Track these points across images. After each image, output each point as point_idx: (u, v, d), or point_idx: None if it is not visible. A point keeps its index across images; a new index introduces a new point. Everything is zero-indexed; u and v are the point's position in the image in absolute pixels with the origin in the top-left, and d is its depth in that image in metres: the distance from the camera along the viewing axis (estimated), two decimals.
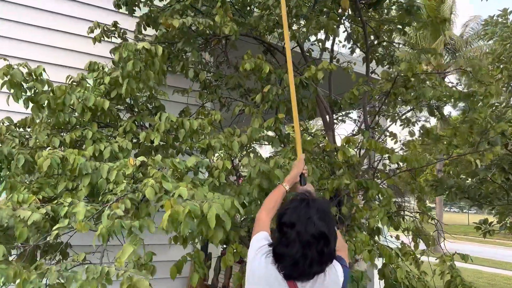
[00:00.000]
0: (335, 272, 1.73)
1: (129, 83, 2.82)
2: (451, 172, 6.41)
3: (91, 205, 1.97)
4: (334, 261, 1.73)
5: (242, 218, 3.03)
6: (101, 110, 2.85)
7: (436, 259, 3.48)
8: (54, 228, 1.85)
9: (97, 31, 3.69)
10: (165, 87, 3.25)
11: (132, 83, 2.82)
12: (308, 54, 4.27)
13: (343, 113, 5.33)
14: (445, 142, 3.76)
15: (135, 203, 1.97)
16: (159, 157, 2.27)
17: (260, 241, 1.81)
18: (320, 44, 4.32)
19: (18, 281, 1.72)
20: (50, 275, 1.71)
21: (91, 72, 3.14)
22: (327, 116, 4.20)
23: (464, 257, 3.47)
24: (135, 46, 2.69)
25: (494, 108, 6.11)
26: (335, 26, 3.58)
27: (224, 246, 4.21)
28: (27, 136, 3.07)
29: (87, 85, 3.07)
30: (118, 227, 1.73)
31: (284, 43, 4.17)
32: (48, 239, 1.97)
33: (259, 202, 2.68)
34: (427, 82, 3.42)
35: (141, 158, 2.20)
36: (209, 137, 2.91)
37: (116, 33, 3.78)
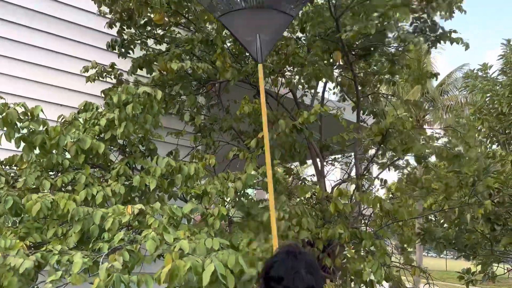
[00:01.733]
0: None
1: (127, 126, 2.78)
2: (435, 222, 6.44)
3: (87, 256, 1.87)
4: None
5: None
6: (95, 153, 2.78)
7: None
8: (48, 280, 1.73)
9: (92, 71, 3.68)
10: (161, 129, 3.23)
11: (129, 126, 2.79)
12: (300, 101, 4.34)
13: (332, 158, 5.37)
14: (435, 194, 3.79)
15: (133, 256, 1.87)
16: (158, 205, 2.20)
17: None
18: (312, 90, 4.41)
19: None
20: None
21: (84, 112, 3.09)
22: (319, 162, 4.22)
23: None
24: (135, 90, 2.67)
25: (476, 159, 6.27)
26: (331, 73, 3.68)
27: None
28: (12, 175, 2.96)
29: (79, 125, 3.02)
30: (118, 282, 1.63)
31: (277, 90, 4.27)
32: None
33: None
34: (416, 136, 3.51)
35: (139, 206, 2.13)
36: (204, 182, 2.86)
37: (112, 74, 3.77)
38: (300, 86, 4.39)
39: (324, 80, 4.59)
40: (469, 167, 3.52)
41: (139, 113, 2.79)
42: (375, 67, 4.47)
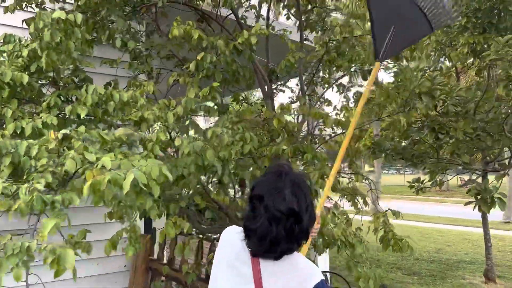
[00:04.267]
0: (306, 279, 1.50)
1: (49, 55, 2.62)
2: (385, 136, 6.71)
3: (9, 183, 1.83)
4: (314, 273, 1.51)
5: (183, 190, 2.99)
6: (21, 86, 2.64)
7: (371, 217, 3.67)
8: None
9: (11, 1, 3.37)
10: (90, 57, 3.06)
11: (52, 55, 2.63)
12: (243, 21, 4.20)
13: (282, 82, 5.36)
14: (375, 105, 3.90)
15: (58, 178, 1.85)
16: (83, 129, 2.15)
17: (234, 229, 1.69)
18: (254, 11, 4.26)
19: None
20: None
21: (6, 45, 2.88)
22: (265, 85, 4.19)
23: (395, 214, 3.68)
24: (51, 15, 2.48)
25: (424, 72, 6.41)
26: None
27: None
28: None
29: (2, 59, 2.82)
30: (39, 201, 1.62)
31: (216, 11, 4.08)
32: None
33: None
34: (357, 48, 3.51)
35: (64, 130, 2.07)
36: (143, 109, 2.79)
37: (33, 2, 3.47)
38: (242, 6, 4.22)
39: None
40: (406, 73, 3.58)
41: (61, 41, 2.62)
42: None
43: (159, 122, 2.88)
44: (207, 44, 3.31)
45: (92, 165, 1.78)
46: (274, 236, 1.47)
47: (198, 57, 3.04)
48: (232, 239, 1.64)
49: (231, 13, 4.30)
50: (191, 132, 3.32)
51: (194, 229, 3.35)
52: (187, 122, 3.15)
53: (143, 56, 3.54)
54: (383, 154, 6.52)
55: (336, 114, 3.58)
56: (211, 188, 3.14)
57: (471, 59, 7.12)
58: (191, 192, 3.08)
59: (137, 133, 2.71)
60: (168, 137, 2.70)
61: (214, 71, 3.23)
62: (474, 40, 6.48)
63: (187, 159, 2.46)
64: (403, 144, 6.64)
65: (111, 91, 2.63)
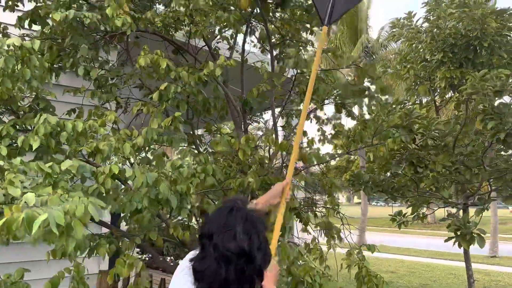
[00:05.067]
0: None
1: (3, 82, 2.52)
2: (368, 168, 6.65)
3: None
4: None
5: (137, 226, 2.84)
6: None
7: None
8: None
9: None
10: (50, 86, 2.97)
11: (6, 83, 2.53)
12: (215, 52, 4.17)
13: (258, 113, 5.31)
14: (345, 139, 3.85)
15: None
16: (18, 160, 2.02)
17: (191, 257, 1.53)
18: (227, 42, 4.24)
19: None
20: None
21: None
22: (238, 116, 4.13)
23: (370, 248, 3.56)
24: (4, 41, 2.40)
25: (403, 105, 6.45)
26: (236, 22, 3.51)
27: None
28: None
29: None
30: None
31: (190, 41, 4.05)
32: None
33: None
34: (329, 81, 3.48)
35: None
36: (105, 139, 2.68)
37: None
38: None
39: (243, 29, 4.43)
40: (383, 107, 3.55)
41: (17, 69, 2.53)
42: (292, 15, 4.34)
43: (119, 154, 2.77)
44: (175, 74, 3.24)
45: (15, 201, 1.65)
46: (224, 278, 1.35)
47: (161, 87, 2.96)
48: (179, 281, 1.51)
49: (204, 45, 4.29)
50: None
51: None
52: (150, 153, 3.03)
53: (108, 85, 3.45)
54: (363, 187, 6.45)
55: (305, 147, 3.51)
56: (172, 223, 3.00)
57: (449, 93, 7.20)
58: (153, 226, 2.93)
59: (93, 164, 2.58)
60: (124, 169, 2.57)
61: (179, 101, 3.14)
62: (452, 74, 6.57)
63: (140, 192, 2.34)
64: (382, 176, 6.59)
65: (64, 121, 2.52)
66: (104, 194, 2.40)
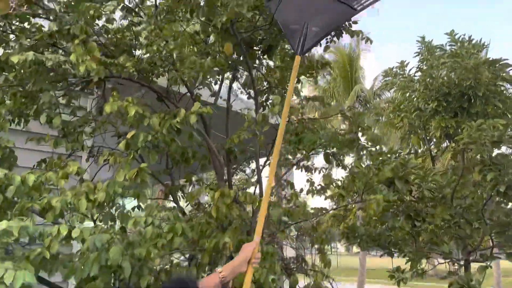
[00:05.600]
0: None
1: None
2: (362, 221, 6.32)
3: None
4: None
5: None
6: None
7: None
8: None
9: None
10: (5, 133, 2.72)
11: None
12: (196, 98, 3.97)
13: (245, 163, 5.04)
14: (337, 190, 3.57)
15: None
16: None
17: None
18: (209, 89, 4.04)
19: None
20: None
21: None
22: (220, 166, 3.84)
23: None
24: None
25: (397, 155, 6.23)
26: (220, 69, 3.32)
27: None
28: None
29: None
30: None
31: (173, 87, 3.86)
32: None
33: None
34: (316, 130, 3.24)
35: None
36: (53, 194, 2.38)
37: None
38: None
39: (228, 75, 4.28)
40: (374, 158, 3.30)
41: None
42: (278, 62, 4.20)
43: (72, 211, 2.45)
44: (148, 121, 3.00)
45: None
46: None
47: (128, 136, 2.70)
48: None
49: (186, 92, 4.09)
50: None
51: None
52: (116, 207, 2.71)
53: (75, 133, 3.19)
54: (358, 240, 6.09)
55: (287, 201, 3.21)
56: None
57: (445, 143, 7.01)
58: None
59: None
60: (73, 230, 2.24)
61: (149, 151, 2.87)
62: (447, 124, 6.40)
63: (89, 257, 2.01)
64: (378, 229, 6.26)
65: (12, 174, 2.23)
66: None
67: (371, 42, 4.08)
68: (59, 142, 3.09)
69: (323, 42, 3.82)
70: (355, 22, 4.00)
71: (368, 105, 18.33)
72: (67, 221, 2.52)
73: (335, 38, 3.80)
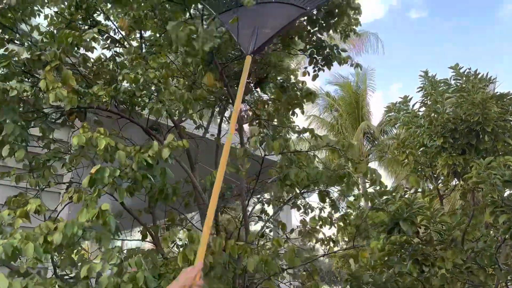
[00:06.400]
0: None
1: None
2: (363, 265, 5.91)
3: None
4: None
5: None
6: None
7: None
8: None
9: None
10: None
11: None
12: (180, 132, 3.74)
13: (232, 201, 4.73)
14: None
15: None
16: None
17: None
18: (193, 121, 3.82)
19: None
20: None
21: None
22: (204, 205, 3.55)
23: None
24: None
25: (404, 193, 5.88)
26: (196, 101, 3.10)
27: None
28: None
29: None
30: None
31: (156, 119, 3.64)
32: None
33: None
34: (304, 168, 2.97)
35: None
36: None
37: None
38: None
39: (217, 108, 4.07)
40: (355, 199, 2.98)
41: None
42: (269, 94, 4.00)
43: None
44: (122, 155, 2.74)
45: None
46: None
47: (92, 171, 2.44)
48: None
49: (173, 126, 3.87)
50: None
51: None
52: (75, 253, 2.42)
53: (42, 168, 2.95)
54: None
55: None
56: None
57: (454, 181, 6.65)
58: None
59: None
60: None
61: (118, 187, 2.60)
62: (454, 161, 6.08)
63: None
64: (385, 275, 5.84)
65: None
66: None
67: (360, 68, 3.94)
68: (21, 178, 2.84)
69: (311, 71, 3.67)
70: (344, 50, 3.85)
71: (375, 142, 18.02)
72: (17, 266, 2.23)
73: (325, 67, 3.64)
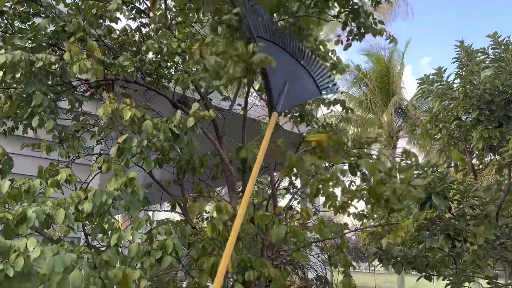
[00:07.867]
0: None
1: None
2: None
3: None
4: None
5: None
6: None
7: None
8: None
9: None
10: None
11: None
12: (206, 104, 3.70)
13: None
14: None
15: None
16: None
17: None
18: (219, 93, 3.76)
19: None
20: None
21: None
22: (231, 177, 3.53)
23: None
24: None
25: (435, 168, 5.72)
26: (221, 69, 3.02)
27: None
28: None
29: None
30: None
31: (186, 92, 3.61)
32: None
33: None
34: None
35: None
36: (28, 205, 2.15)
37: None
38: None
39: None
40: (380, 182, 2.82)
41: None
42: None
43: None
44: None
45: None
46: None
47: (120, 140, 2.44)
48: None
49: (200, 98, 3.83)
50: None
51: None
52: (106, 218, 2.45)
53: (71, 139, 2.98)
54: (392, 262, 5.60)
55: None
56: None
57: (489, 155, 6.40)
58: None
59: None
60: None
61: (145, 158, 2.60)
62: (490, 134, 5.83)
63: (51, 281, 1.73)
64: (415, 250, 5.74)
65: None
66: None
67: (396, 42, 3.71)
68: (52, 148, 2.88)
69: (344, 40, 3.51)
70: (381, 22, 3.64)
71: (407, 118, 17.54)
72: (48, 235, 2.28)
73: (356, 38, 3.47)
